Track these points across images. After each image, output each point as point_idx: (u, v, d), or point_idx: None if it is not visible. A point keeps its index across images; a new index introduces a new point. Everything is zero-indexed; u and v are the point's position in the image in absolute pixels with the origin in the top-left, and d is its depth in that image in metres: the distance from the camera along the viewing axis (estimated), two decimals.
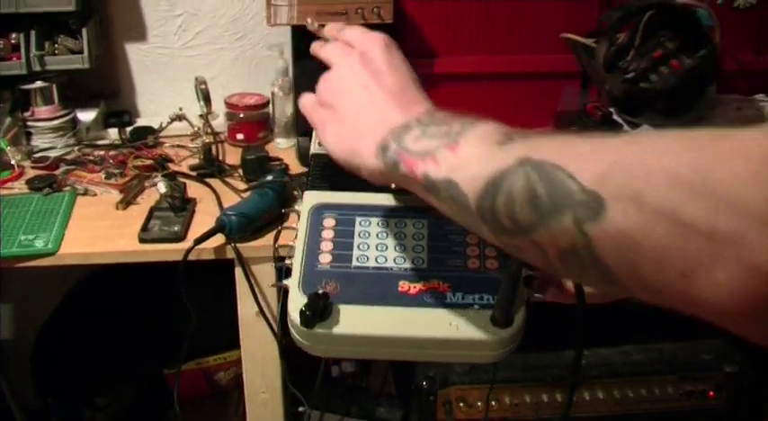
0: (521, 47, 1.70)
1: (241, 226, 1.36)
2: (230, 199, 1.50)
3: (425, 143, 0.56)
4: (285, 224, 1.42)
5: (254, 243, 1.39)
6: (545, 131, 0.53)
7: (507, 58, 1.71)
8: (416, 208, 0.70)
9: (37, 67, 1.64)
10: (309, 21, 0.78)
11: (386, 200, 0.72)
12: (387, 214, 0.71)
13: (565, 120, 1.70)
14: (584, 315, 0.61)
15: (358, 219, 0.70)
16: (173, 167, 1.65)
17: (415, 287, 0.64)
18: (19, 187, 1.55)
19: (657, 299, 0.44)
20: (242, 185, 1.57)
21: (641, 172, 0.42)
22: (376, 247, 0.67)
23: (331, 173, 0.74)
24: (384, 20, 1.54)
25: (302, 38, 1.62)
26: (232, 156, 1.71)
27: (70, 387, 1.80)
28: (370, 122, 0.61)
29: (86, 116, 1.77)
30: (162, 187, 1.46)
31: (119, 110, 1.86)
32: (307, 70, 1.66)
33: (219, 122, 1.78)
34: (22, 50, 1.62)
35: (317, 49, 0.70)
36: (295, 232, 0.70)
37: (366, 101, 0.63)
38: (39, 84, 1.67)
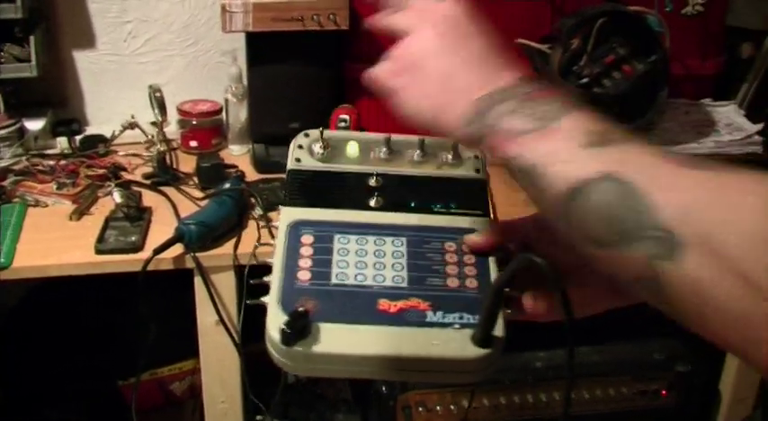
0: None
1: (201, 235, 1.34)
2: (186, 207, 1.48)
3: (517, 123, 0.54)
4: (243, 232, 1.41)
5: (213, 252, 1.38)
6: (637, 136, 0.51)
7: None
8: (395, 226, 0.70)
9: None
10: None
11: (365, 217, 0.71)
12: (366, 231, 0.70)
13: None
14: (572, 320, 0.62)
15: (337, 236, 0.69)
16: (126, 176, 1.63)
17: (395, 305, 0.63)
18: None
19: (721, 342, 0.44)
20: (198, 193, 1.55)
21: (725, 220, 0.41)
22: (355, 265, 0.66)
23: (308, 189, 0.73)
24: (340, 26, 1.55)
25: (257, 44, 1.61)
26: (186, 163, 1.69)
27: (20, 403, 1.75)
28: (461, 83, 0.58)
29: (34, 125, 1.73)
30: (117, 197, 1.43)
31: (67, 118, 1.82)
32: (262, 76, 1.65)
33: (172, 129, 1.76)
34: None
35: (385, 19, 0.65)
36: (272, 248, 0.69)
37: (458, 62, 0.59)
38: None
